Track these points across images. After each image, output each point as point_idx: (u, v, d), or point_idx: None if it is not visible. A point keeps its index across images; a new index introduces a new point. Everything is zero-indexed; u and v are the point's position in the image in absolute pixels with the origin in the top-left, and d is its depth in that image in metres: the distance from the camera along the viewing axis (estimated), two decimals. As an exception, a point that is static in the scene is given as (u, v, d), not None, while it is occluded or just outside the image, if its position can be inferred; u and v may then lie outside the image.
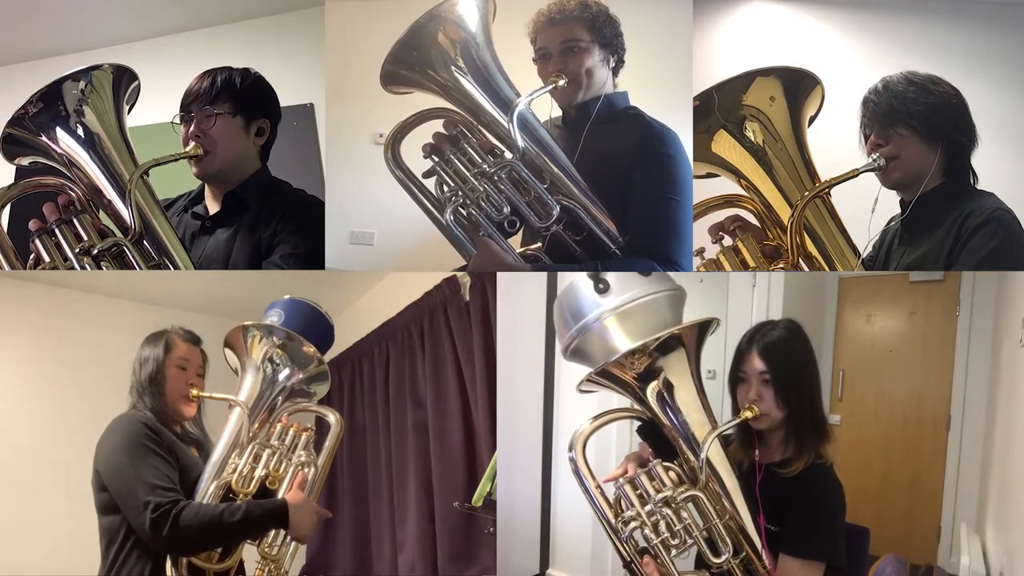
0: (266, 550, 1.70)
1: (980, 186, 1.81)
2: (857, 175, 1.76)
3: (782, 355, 1.58)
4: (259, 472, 1.72)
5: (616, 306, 1.48)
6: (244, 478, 1.70)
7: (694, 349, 1.48)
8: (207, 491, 1.68)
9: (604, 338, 1.48)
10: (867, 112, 1.80)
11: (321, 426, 1.94)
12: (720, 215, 2.01)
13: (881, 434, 3.84)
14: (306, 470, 1.77)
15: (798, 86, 1.92)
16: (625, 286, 1.50)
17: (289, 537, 1.71)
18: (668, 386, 1.47)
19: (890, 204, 1.88)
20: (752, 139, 1.91)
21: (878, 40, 2.93)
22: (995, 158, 2.60)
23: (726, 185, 2.03)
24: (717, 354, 2.00)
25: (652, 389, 1.47)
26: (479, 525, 2.68)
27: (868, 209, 1.84)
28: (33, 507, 3.33)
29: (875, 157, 1.76)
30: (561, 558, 3.37)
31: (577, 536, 3.25)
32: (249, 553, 1.72)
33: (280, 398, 1.87)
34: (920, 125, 1.73)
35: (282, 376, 1.87)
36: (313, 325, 1.93)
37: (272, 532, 1.71)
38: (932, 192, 1.77)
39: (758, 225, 1.96)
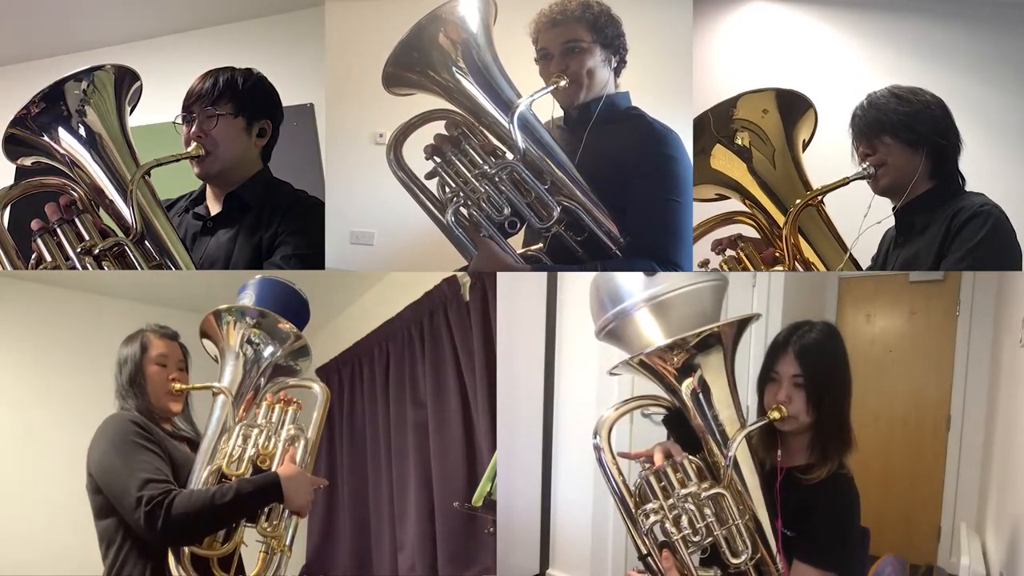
0: (264, 527, 1.67)
1: (977, 186, 1.86)
2: (848, 183, 1.84)
3: (818, 359, 1.56)
4: (249, 452, 1.71)
5: (656, 295, 1.46)
6: (235, 460, 1.69)
7: (731, 345, 1.47)
8: (199, 479, 1.67)
9: (642, 325, 1.47)
10: (854, 127, 1.88)
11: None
12: (723, 233, 2.09)
13: (881, 434, 3.83)
14: (296, 444, 1.76)
15: (792, 103, 2.02)
16: (668, 275, 1.50)
17: (287, 511, 1.70)
18: (703, 382, 1.46)
19: (887, 213, 1.92)
20: (740, 143, 1.98)
21: (878, 40, 2.92)
22: (995, 159, 2.62)
23: (734, 207, 2.10)
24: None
25: (687, 386, 1.46)
26: (479, 525, 2.68)
27: (867, 221, 1.90)
28: (31, 507, 3.33)
29: (864, 166, 1.84)
30: (561, 558, 3.37)
31: (577, 536, 3.25)
32: (253, 544, 1.71)
33: (263, 379, 1.86)
34: (902, 132, 1.81)
35: (265, 354, 1.86)
36: (286, 302, 1.91)
37: (269, 509, 1.69)
38: (922, 196, 1.83)
39: (759, 238, 2.03)
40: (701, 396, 1.46)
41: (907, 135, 1.80)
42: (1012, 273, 2.20)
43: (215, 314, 1.85)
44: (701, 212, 2.09)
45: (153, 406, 1.79)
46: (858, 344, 4.03)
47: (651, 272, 1.49)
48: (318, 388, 1.89)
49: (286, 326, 1.86)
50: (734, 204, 2.08)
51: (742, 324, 1.48)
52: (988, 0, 2.85)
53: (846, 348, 1.64)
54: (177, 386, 1.81)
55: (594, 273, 1.59)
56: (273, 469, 1.70)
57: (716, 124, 2.03)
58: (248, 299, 1.89)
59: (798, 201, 1.89)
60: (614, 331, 1.52)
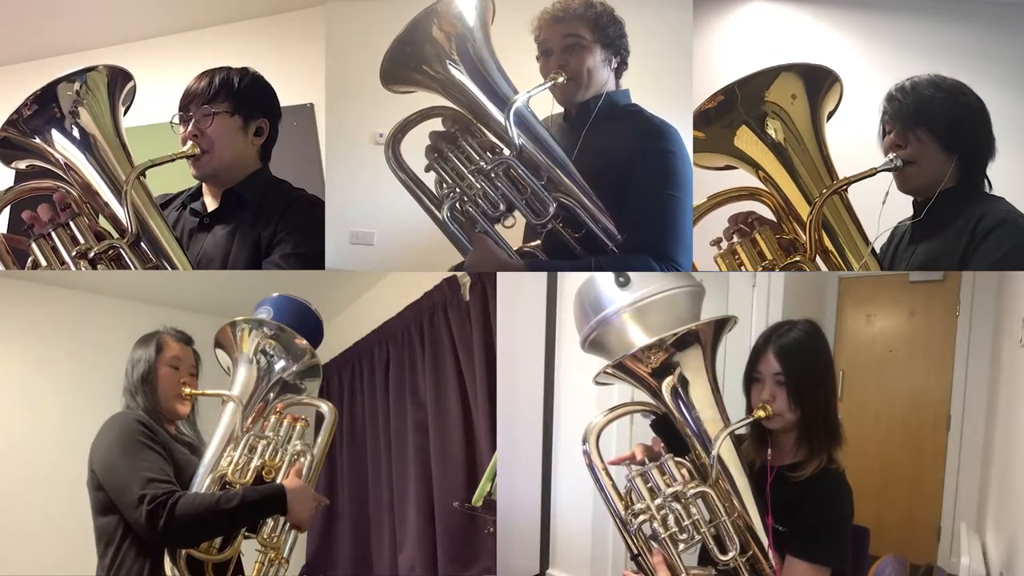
0: (264, 539, 1.69)
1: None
2: (875, 174, 1.75)
3: (798, 357, 1.57)
4: (255, 463, 1.72)
5: (635, 300, 1.48)
6: (240, 469, 1.70)
7: (710, 346, 1.49)
8: (203, 484, 1.68)
9: (622, 331, 1.49)
10: (891, 109, 1.79)
11: (318, 420, 1.94)
12: (738, 207, 2.00)
13: (881, 434, 3.84)
14: (302, 459, 1.77)
15: (819, 83, 1.91)
16: (645, 281, 1.51)
17: (288, 524, 1.71)
18: (683, 382, 1.47)
19: (900, 201, 1.86)
20: (773, 136, 1.91)
21: (878, 40, 2.93)
22: (996, 159, 2.61)
23: (744, 178, 2.03)
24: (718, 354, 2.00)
25: (667, 384, 1.47)
26: (479, 525, 2.68)
27: (878, 204, 1.83)
28: (31, 507, 3.33)
29: (892, 157, 1.75)
30: (561, 558, 3.37)
31: (577, 536, 3.25)
32: (248, 551, 1.72)
33: (272, 393, 1.87)
34: (942, 133, 1.72)
35: (277, 367, 1.88)
36: (303, 321, 1.93)
37: (271, 521, 1.70)
38: (945, 193, 1.76)
39: (774, 219, 1.95)
40: (681, 394, 1.47)
41: (946, 138, 1.72)
42: (1012, 273, 2.20)
43: (231, 324, 1.87)
44: (711, 181, 2.04)
45: (161, 408, 1.80)
46: (858, 344, 4.03)
47: (623, 276, 1.50)
48: (327, 408, 1.90)
49: (303, 343, 1.88)
50: (745, 176, 2.02)
51: (719, 325, 1.49)
52: (989, 0, 2.85)
53: (828, 345, 1.65)
54: (187, 390, 1.82)
55: (586, 274, 1.59)
56: (278, 482, 1.71)
57: (745, 103, 1.92)
58: (266, 314, 1.91)
59: (824, 190, 1.79)
60: (597, 340, 1.54)
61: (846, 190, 1.84)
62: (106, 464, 1.66)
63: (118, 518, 1.63)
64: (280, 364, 1.88)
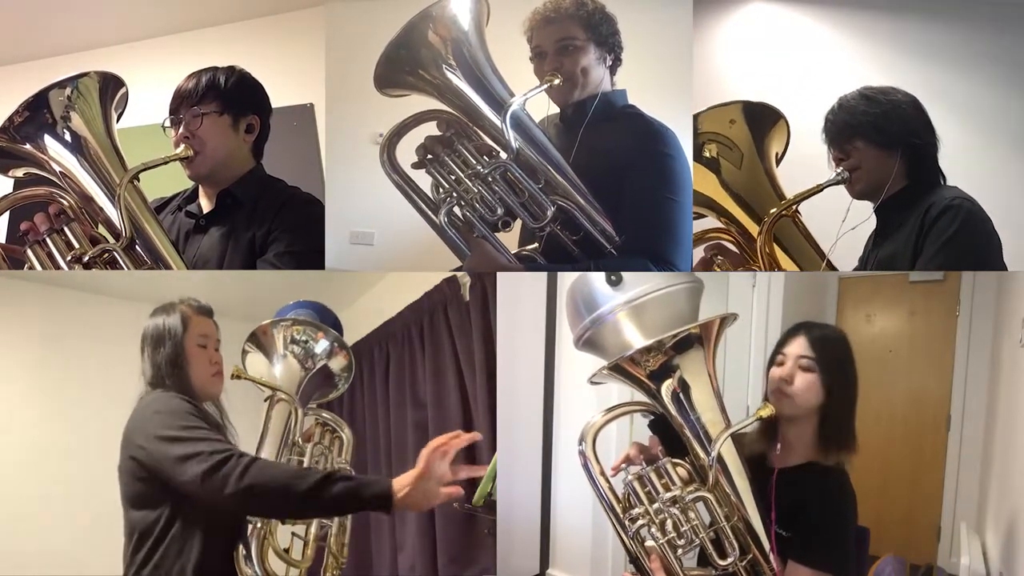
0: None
1: (967, 184, 1.84)
2: (821, 190, 1.84)
3: (829, 347, 1.55)
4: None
5: (632, 298, 1.45)
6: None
7: (711, 346, 1.46)
8: None
9: (618, 330, 1.47)
10: (826, 131, 1.87)
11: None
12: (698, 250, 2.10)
13: (881, 434, 3.83)
14: None
15: (761, 116, 2.03)
16: (641, 278, 1.48)
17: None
18: (684, 384, 1.45)
19: (864, 217, 1.91)
20: (708, 155, 2.00)
21: (878, 41, 2.92)
22: (992, 158, 2.61)
23: (707, 222, 2.10)
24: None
25: (667, 387, 1.45)
26: (479, 525, 2.68)
27: (845, 226, 1.89)
28: (30, 507, 3.33)
29: (839, 171, 1.83)
30: (561, 558, 3.37)
31: (577, 536, 3.24)
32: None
33: (316, 384, 1.92)
34: (873, 134, 1.80)
35: (318, 350, 1.93)
36: (325, 318, 2.01)
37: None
38: (897, 194, 1.82)
39: (737, 252, 2.03)
40: (682, 397, 1.45)
41: (878, 137, 1.79)
42: (1012, 273, 2.20)
43: (254, 333, 1.92)
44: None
45: (196, 390, 1.65)
46: (858, 344, 4.01)
47: (615, 275, 1.47)
48: (347, 433, 1.94)
49: (329, 331, 1.95)
50: (709, 222, 2.08)
51: (720, 324, 1.47)
52: (988, 0, 2.85)
53: (854, 355, 1.63)
54: (239, 370, 1.77)
55: (575, 274, 1.57)
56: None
57: None
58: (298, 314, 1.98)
59: (772, 210, 1.88)
60: (591, 339, 1.52)
61: (798, 211, 1.92)
62: (154, 436, 1.48)
63: (158, 513, 1.50)
64: (319, 347, 1.92)
